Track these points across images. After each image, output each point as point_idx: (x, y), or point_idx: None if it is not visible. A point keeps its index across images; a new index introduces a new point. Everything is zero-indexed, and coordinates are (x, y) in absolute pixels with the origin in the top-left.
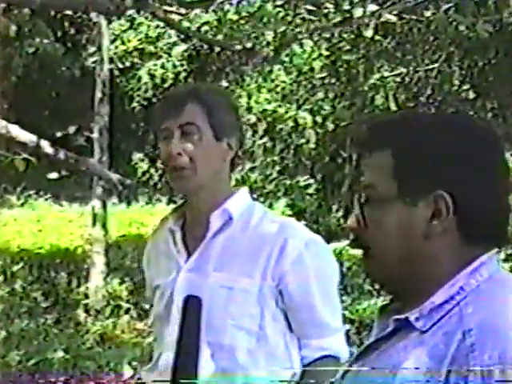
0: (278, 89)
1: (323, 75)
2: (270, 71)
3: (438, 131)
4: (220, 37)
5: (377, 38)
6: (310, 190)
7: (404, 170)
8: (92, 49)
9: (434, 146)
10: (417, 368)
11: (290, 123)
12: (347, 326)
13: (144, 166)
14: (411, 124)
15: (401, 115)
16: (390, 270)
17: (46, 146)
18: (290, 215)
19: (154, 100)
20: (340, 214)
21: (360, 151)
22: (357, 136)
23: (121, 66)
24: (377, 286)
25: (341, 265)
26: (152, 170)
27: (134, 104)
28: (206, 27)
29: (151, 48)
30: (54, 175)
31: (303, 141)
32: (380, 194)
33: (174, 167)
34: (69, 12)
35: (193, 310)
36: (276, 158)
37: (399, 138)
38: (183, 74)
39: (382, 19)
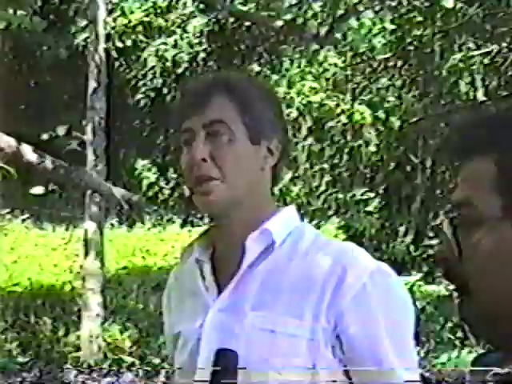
0: (328, 74)
1: (387, 56)
2: (317, 52)
3: None
4: (251, 7)
5: (459, 5)
6: (370, 207)
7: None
8: (83, 23)
9: None
10: None
11: (343, 119)
12: None
13: (151, 176)
14: None
15: (504, 110)
16: (494, 311)
17: (29, 152)
18: (343, 240)
19: (165, 90)
20: (409, 238)
21: (450, 157)
22: (446, 138)
23: (120, 45)
24: (460, 334)
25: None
26: (161, 182)
27: (139, 96)
28: None
29: (160, 22)
30: (38, 190)
31: (360, 142)
32: (480, 214)
33: (197, 178)
34: None
35: (226, 368)
36: (325, 166)
37: (505, 141)
38: (202, 55)
39: None
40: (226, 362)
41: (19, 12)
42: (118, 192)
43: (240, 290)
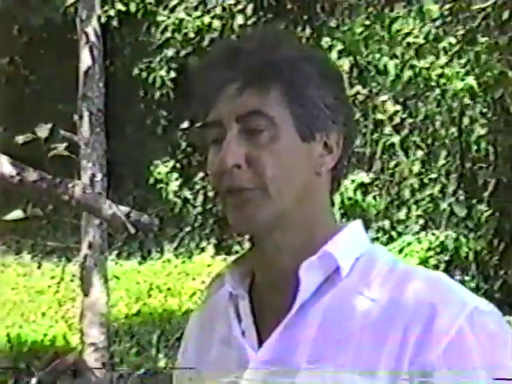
0: (415, 31)
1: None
2: None
3: None
4: None
5: None
6: (474, 221)
7: None
8: None
9: None
10: None
11: (437, 91)
12: None
13: (172, 185)
14: None
15: None
16: None
17: (3, 162)
18: (435, 266)
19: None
20: None
21: None
22: None
23: (123, 8)
24: None
25: None
26: (186, 193)
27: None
28: None
29: None
30: (16, 214)
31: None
32: None
33: (229, 190)
34: None
35: None
36: (408, 166)
37: None
38: (239, 21)
39: None
40: None
41: None
42: (123, 211)
43: (291, 335)
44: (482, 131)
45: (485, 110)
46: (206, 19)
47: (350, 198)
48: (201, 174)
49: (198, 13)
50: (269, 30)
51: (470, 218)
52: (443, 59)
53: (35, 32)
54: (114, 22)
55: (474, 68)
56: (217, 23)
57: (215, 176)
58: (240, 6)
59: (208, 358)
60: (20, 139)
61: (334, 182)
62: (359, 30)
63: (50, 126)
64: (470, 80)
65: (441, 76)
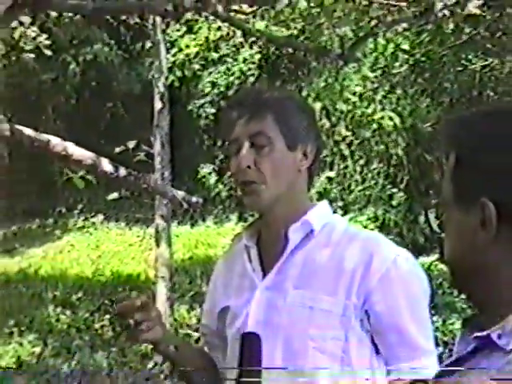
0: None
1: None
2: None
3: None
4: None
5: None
6: (394, 201)
7: (460, 174)
8: (149, 59)
9: (496, 149)
10: None
11: (379, 126)
12: (440, 349)
13: (211, 180)
14: (485, 120)
15: (476, 111)
16: (464, 282)
17: (105, 163)
18: (372, 229)
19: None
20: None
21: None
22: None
23: (180, 74)
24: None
25: (430, 281)
26: (220, 186)
27: (201, 115)
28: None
29: (213, 53)
30: (114, 195)
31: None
32: (443, 198)
33: (243, 182)
34: (125, 17)
35: (251, 349)
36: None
37: (464, 138)
38: (250, 80)
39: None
40: (250, 344)
41: (96, 46)
42: (180, 194)
43: (283, 271)
44: (401, 147)
45: (403, 134)
46: (231, 79)
47: (324, 189)
48: (228, 174)
49: (225, 76)
50: (264, 84)
51: (392, 200)
52: (377, 104)
53: (127, 88)
54: (173, 77)
55: (396, 109)
56: (237, 81)
57: (235, 173)
58: (251, 72)
59: (231, 286)
60: (117, 150)
61: (310, 177)
62: (323, 84)
63: (135, 142)
64: (394, 116)
65: (375, 114)
